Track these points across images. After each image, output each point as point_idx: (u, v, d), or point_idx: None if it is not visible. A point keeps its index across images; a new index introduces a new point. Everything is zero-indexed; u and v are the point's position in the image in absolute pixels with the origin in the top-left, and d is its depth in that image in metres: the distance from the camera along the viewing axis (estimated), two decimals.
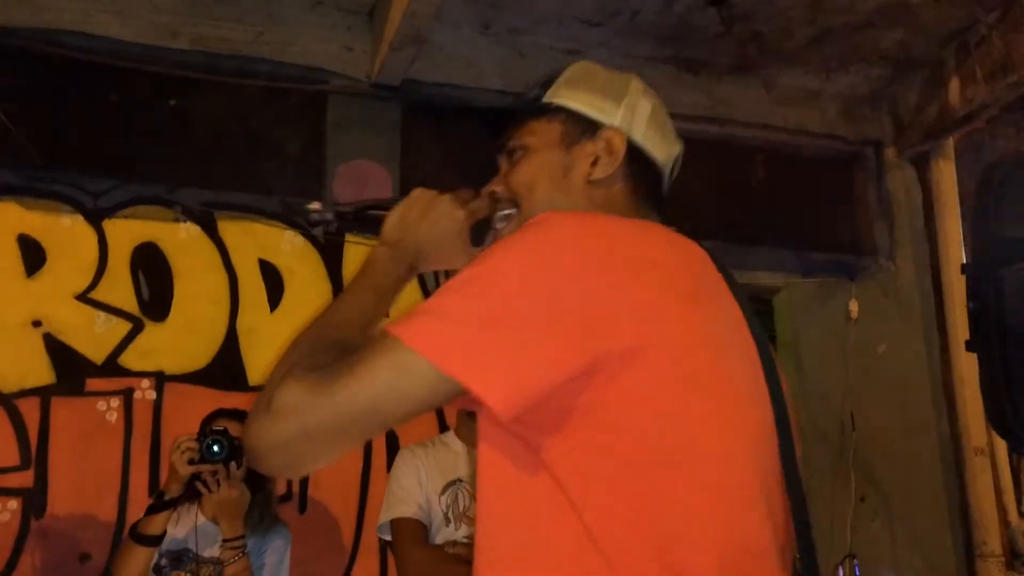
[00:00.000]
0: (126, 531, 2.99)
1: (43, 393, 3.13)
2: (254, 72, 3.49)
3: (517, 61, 3.78)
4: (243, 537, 2.42)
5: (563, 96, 1.20)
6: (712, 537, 0.90)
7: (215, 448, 2.36)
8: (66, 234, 3.28)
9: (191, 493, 2.39)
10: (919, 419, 3.85)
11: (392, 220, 1.21)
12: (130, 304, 3.29)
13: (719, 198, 4.04)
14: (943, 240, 3.95)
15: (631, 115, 1.19)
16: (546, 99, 1.21)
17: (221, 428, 2.41)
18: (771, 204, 4.10)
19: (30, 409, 3.10)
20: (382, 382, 0.90)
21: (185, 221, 3.42)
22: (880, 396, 4.00)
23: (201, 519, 2.47)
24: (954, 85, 3.77)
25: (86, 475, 3.10)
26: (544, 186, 1.16)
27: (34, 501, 3.03)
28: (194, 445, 2.37)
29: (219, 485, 2.37)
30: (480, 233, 1.19)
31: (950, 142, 4.04)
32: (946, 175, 4.03)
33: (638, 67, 4.02)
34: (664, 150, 1.22)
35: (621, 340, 0.89)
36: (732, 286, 1.06)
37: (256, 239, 3.51)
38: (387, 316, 1.12)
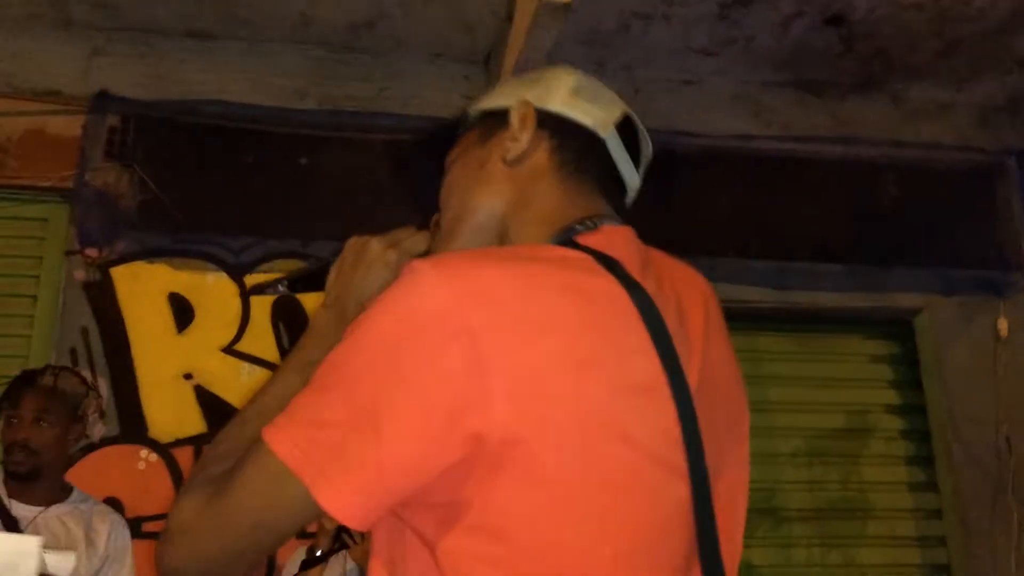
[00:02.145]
0: (276, 574, 3.12)
1: (196, 442, 3.30)
2: (378, 127, 3.62)
3: (633, 97, 3.80)
4: None
5: (480, 103, 1.12)
6: None
7: None
8: (211, 290, 3.47)
9: (339, 546, 2.47)
10: None
11: (331, 278, 1.11)
12: (272, 354, 3.44)
13: (849, 220, 3.92)
14: None
15: (546, 90, 1.06)
16: (467, 115, 1.13)
17: None
18: (905, 222, 3.95)
19: (185, 458, 3.28)
20: (260, 497, 0.82)
21: None
22: None
23: (350, 563, 2.54)
24: None
25: None
26: (461, 187, 1.06)
27: None
28: None
29: (363, 538, 2.44)
30: None
31: None
32: None
33: (757, 93, 3.99)
34: (595, 114, 1.05)
35: (496, 429, 0.76)
36: (654, 326, 0.87)
37: None
38: None
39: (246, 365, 3.41)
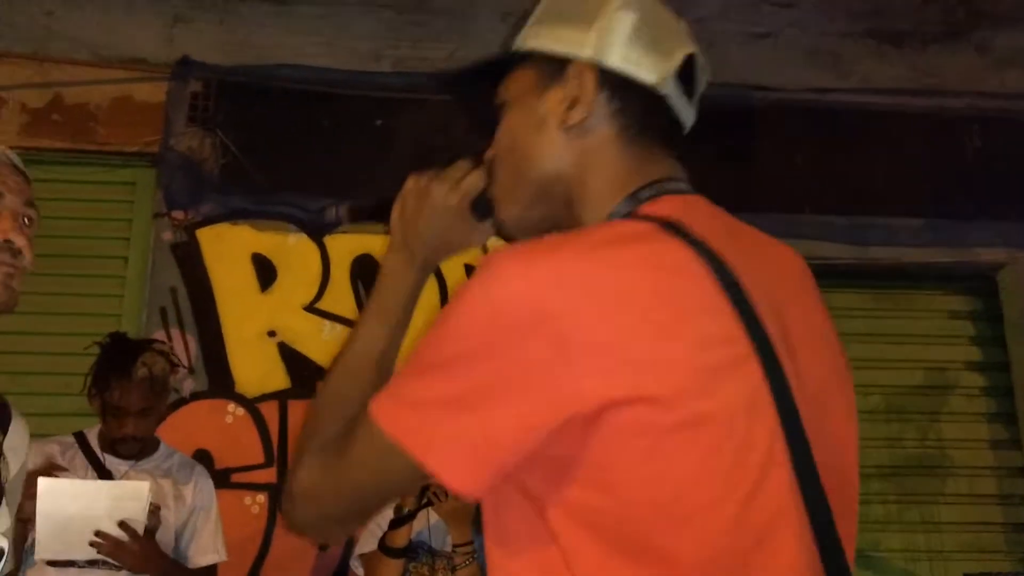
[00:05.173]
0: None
1: (281, 397, 3.42)
2: None
3: (708, 51, 3.71)
4: (472, 543, 2.56)
5: (533, 35, 1.03)
6: None
7: None
8: (292, 251, 3.57)
9: (425, 504, 2.55)
10: None
11: (393, 220, 1.13)
12: (352, 312, 3.53)
13: (930, 173, 3.83)
14: None
15: (604, 37, 0.98)
16: (518, 43, 1.05)
17: None
18: (990, 175, 3.84)
19: (271, 412, 3.40)
20: (369, 469, 0.90)
21: None
22: None
23: (434, 517, 2.62)
24: None
25: None
26: (521, 145, 1.02)
27: (279, 496, 3.31)
28: None
29: (447, 495, 2.51)
30: (484, 205, 1.09)
31: None
32: None
33: (835, 45, 3.90)
34: (657, 66, 0.98)
35: (589, 398, 0.80)
36: (728, 285, 0.87)
37: None
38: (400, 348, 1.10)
39: (327, 322, 3.51)
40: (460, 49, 3.70)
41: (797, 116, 3.78)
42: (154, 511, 2.39)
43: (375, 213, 1.19)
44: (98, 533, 2.26)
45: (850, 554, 0.90)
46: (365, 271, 3.58)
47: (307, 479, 0.96)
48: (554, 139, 0.99)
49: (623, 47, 0.98)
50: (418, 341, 0.90)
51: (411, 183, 1.14)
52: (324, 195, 3.60)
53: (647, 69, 0.98)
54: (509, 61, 1.06)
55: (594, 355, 0.80)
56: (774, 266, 0.99)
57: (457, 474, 0.84)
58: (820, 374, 0.94)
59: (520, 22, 1.07)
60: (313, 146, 3.65)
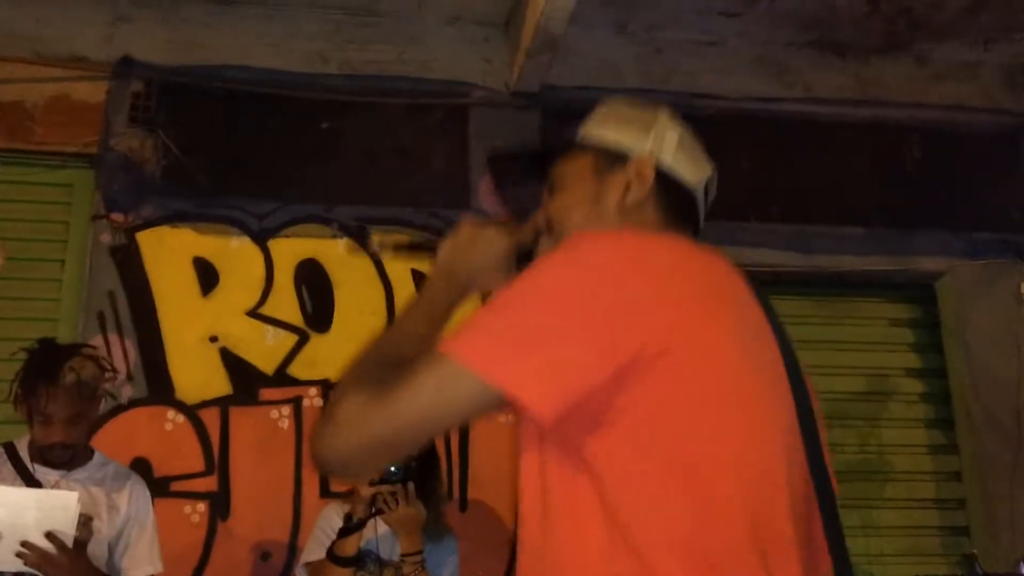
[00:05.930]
0: (302, 531, 3.18)
1: (222, 403, 3.35)
2: (399, 90, 3.63)
3: (655, 58, 3.78)
4: (421, 552, 2.54)
5: (596, 132, 1.27)
6: (743, 531, 0.95)
7: (393, 470, 2.50)
8: (235, 255, 3.50)
9: (374, 512, 2.52)
10: None
11: (445, 247, 1.31)
12: (295, 318, 3.48)
13: (872, 182, 3.90)
14: None
15: (660, 143, 1.23)
16: (581, 136, 1.28)
17: None
18: (929, 185, 3.93)
19: (212, 419, 3.33)
20: (430, 394, 0.97)
21: (342, 237, 3.58)
22: None
23: (382, 527, 2.59)
24: None
25: (263, 479, 3.30)
26: (579, 212, 1.22)
27: (219, 504, 3.25)
28: None
29: (398, 504, 2.49)
30: (524, 260, 1.25)
31: None
32: None
33: (780, 53, 3.96)
34: (695, 174, 1.25)
35: (650, 344, 0.95)
36: (757, 295, 1.11)
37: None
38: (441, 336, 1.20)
39: (270, 328, 3.45)
40: (407, 51, 3.68)
41: (742, 124, 3.83)
42: (85, 522, 2.31)
43: (416, 246, 1.46)
44: (24, 544, 2.19)
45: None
46: (309, 276, 3.53)
47: (354, 406, 1.00)
48: (608, 212, 1.20)
49: (673, 152, 1.23)
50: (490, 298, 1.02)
51: (468, 223, 1.33)
52: (268, 198, 3.55)
53: (689, 174, 1.24)
54: (562, 149, 1.29)
55: (657, 311, 0.97)
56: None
57: (534, 397, 0.93)
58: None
59: (579, 120, 1.31)
60: (258, 148, 3.59)
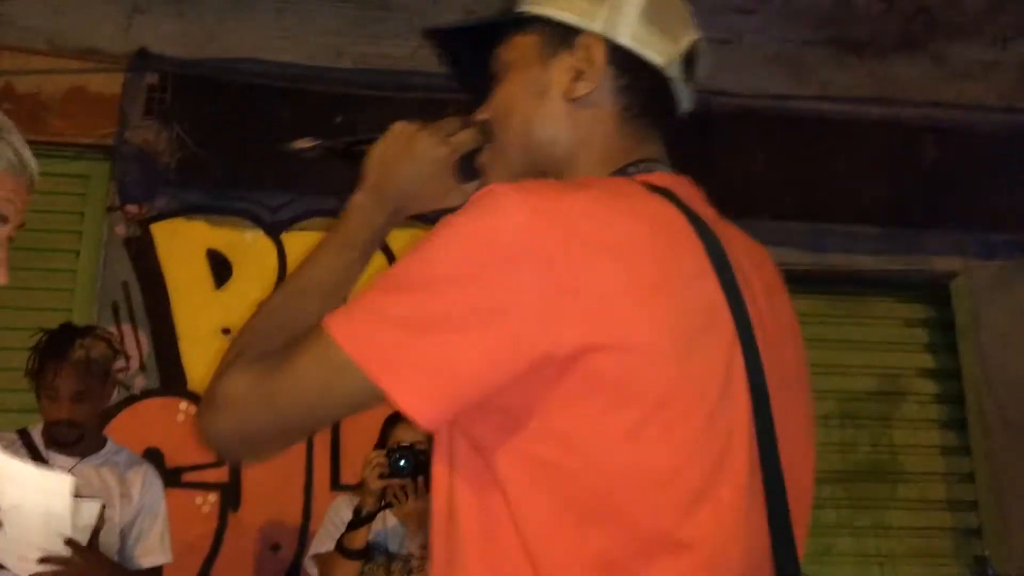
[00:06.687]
0: (312, 523, 3.19)
1: None
2: (413, 85, 3.63)
3: None
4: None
5: (541, 3, 1.02)
6: (662, 554, 0.81)
7: (402, 463, 2.49)
8: (249, 247, 3.52)
9: (384, 505, 2.52)
10: None
11: (371, 160, 1.09)
12: None
13: (887, 182, 3.88)
14: None
15: (615, 14, 0.98)
16: (524, 8, 1.03)
17: (408, 444, 2.52)
18: (944, 185, 3.90)
19: None
20: (316, 383, 0.84)
21: None
22: None
23: (391, 520, 2.60)
24: None
25: (274, 470, 3.31)
26: (521, 110, 1.01)
27: (230, 495, 3.27)
28: (384, 461, 2.50)
29: (408, 497, 2.49)
30: (469, 166, 1.07)
31: None
32: None
33: (795, 51, 3.94)
34: (665, 48, 0.99)
35: (565, 342, 0.79)
36: (713, 252, 0.89)
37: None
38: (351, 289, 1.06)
39: None
40: (422, 47, 3.67)
41: (756, 122, 3.82)
42: (100, 513, 2.31)
43: (345, 154, 1.16)
44: (44, 559, 2.13)
45: (800, 549, 0.89)
46: None
47: (237, 385, 0.88)
48: (556, 108, 0.99)
49: (634, 25, 0.98)
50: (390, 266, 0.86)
51: (398, 127, 1.11)
52: (282, 191, 3.56)
53: (655, 50, 0.99)
54: (508, 24, 1.04)
55: (579, 300, 0.79)
56: (753, 257, 0.99)
57: (414, 400, 0.80)
58: (785, 371, 0.94)
59: None
60: (272, 141, 3.59)
